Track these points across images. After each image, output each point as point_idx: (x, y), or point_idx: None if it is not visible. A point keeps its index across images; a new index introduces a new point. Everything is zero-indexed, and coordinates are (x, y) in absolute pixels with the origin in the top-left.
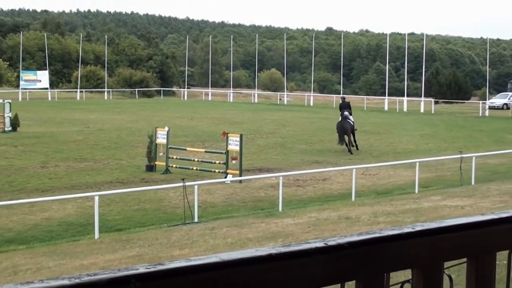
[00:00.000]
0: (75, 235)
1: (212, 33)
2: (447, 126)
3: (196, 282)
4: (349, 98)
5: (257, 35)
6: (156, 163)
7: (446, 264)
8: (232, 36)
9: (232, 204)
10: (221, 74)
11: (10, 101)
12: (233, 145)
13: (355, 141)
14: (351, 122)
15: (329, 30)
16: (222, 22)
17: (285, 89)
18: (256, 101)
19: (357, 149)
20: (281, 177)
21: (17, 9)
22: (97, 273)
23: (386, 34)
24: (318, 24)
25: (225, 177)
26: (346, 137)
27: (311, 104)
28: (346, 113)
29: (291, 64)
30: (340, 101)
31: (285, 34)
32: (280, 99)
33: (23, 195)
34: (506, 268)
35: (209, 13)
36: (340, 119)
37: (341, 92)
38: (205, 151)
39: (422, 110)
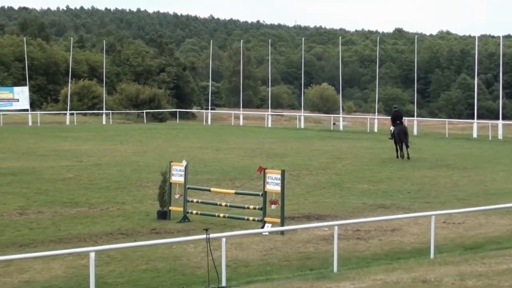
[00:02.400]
0: None
1: (243, 37)
2: None
3: None
4: (426, 121)
5: (303, 39)
6: (171, 208)
7: None
8: (270, 40)
9: (271, 263)
10: (256, 90)
11: None
12: (273, 184)
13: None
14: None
15: (398, 32)
16: (257, 22)
17: (341, 110)
18: (302, 126)
19: (408, 158)
20: (336, 227)
21: None
22: None
23: (474, 37)
24: (383, 24)
25: (262, 227)
26: (403, 144)
27: (375, 130)
28: (398, 122)
29: (348, 77)
30: (393, 111)
31: (340, 37)
32: (334, 124)
33: None
34: None
35: (239, 10)
36: (394, 127)
37: (415, 115)
38: (236, 193)
39: None
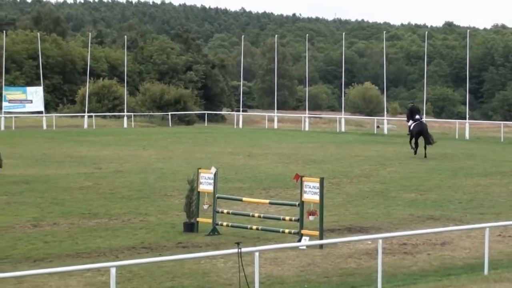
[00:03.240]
0: None
1: (278, 32)
2: None
3: None
4: (479, 124)
5: (343, 34)
6: (199, 219)
7: None
8: (307, 35)
9: (309, 280)
10: (292, 90)
11: None
12: (310, 193)
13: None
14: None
15: (449, 25)
16: (293, 15)
17: (385, 112)
18: (343, 129)
19: (425, 156)
20: (380, 240)
21: None
22: None
23: None
24: (432, 17)
25: (299, 240)
26: (422, 140)
27: None
28: (417, 116)
29: (393, 76)
30: (410, 107)
31: (384, 32)
32: (377, 127)
33: (7, 266)
34: None
35: (273, 2)
36: (414, 123)
37: (467, 117)
38: (270, 203)
39: None
